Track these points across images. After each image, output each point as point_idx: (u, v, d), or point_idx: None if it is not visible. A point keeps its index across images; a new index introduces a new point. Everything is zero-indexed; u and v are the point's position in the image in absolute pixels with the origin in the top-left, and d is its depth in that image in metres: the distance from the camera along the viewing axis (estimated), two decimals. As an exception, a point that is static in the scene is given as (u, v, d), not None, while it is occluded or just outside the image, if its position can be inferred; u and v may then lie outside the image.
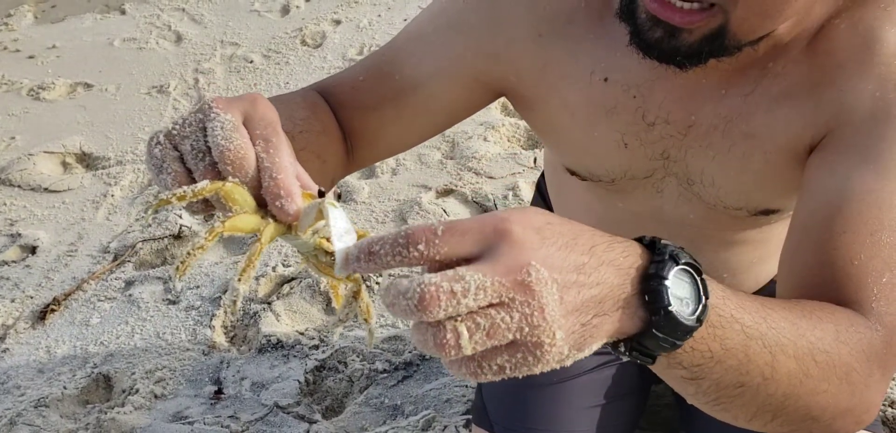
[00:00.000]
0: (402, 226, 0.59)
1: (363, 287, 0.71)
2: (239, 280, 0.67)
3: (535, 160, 2.47)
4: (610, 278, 0.61)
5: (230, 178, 0.69)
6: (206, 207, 0.72)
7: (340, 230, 0.66)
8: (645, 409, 1.46)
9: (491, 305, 0.57)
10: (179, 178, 0.70)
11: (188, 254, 0.67)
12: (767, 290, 1.30)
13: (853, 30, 0.91)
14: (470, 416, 1.62)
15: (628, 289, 0.62)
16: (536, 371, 0.59)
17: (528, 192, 2.31)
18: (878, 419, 1.30)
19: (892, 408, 1.60)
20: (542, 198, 1.52)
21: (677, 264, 0.64)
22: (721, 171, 1.02)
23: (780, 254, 0.94)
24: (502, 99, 1.13)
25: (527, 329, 0.57)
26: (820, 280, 0.84)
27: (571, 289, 0.59)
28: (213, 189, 0.68)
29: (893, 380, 1.67)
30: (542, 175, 1.54)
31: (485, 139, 2.56)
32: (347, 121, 1.07)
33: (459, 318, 0.57)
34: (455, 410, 1.69)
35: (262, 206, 0.70)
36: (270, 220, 0.69)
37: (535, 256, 0.58)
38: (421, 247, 0.58)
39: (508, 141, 2.59)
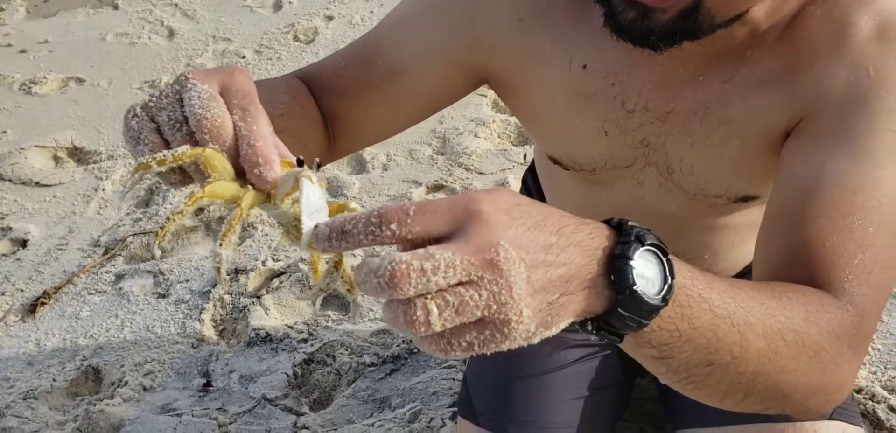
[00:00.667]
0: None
1: (344, 258, 0.71)
2: (220, 245, 0.67)
3: (524, 156, 2.48)
4: (577, 258, 0.63)
5: (209, 146, 0.69)
6: (184, 178, 0.73)
7: (312, 206, 0.66)
8: (629, 402, 1.47)
9: (460, 283, 0.58)
10: (156, 148, 0.71)
11: (168, 219, 0.67)
12: (749, 272, 1.31)
13: (828, 16, 0.93)
14: (456, 409, 1.63)
15: (595, 269, 0.64)
16: (504, 348, 0.61)
17: (517, 188, 2.32)
18: (858, 410, 1.31)
19: (873, 400, 1.61)
20: (527, 192, 1.53)
21: (643, 245, 0.65)
22: (700, 159, 1.04)
23: (756, 237, 0.96)
24: (493, 96, 1.14)
25: (495, 307, 0.59)
26: (793, 262, 0.86)
27: (539, 268, 0.61)
28: (194, 154, 0.68)
29: (874, 374, 1.68)
30: (529, 170, 1.55)
31: (475, 135, 2.57)
32: (329, 107, 1.07)
33: (429, 296, 0.58)
34: (441, 403, 1.70)
35: (241, 176, 0.70)
36: (250, 188, 0.70)
37: (505, 236, 0.59)
38: (393, 226, 0.59)
39: (499, 137, 2.60)
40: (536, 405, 1.32)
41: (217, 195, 0.69)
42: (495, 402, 1.34)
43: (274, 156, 0.70)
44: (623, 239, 0.65)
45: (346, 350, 1.85)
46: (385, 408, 1.72)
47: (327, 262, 0.71)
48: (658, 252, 0.66)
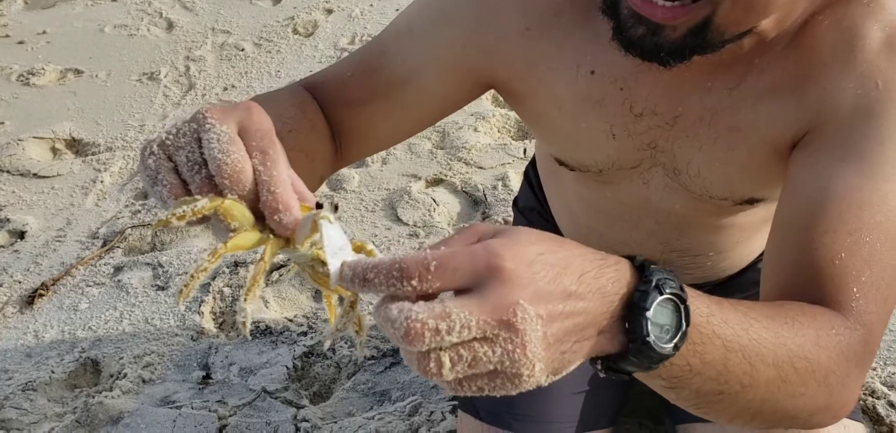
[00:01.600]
0: (396, 255, 0.60)
1: (359, 298, 0.71)
2: (245, 300, 0.67)
3: (524, 151, 2.47)
4: (595, 306, 0.63)
5: (228, 195, 0.68)
6: (201, 219, 0.72)
7: (335, 246, 0.66)
8: (629, 397, 1.47)
9: (475, 339, 0.59)
10: (175, 189, 0.70)
11: (191, 277, 0.67)
12: (753, 268, 1.31)
13: (836, 26, 0.92)
14: (456, 403, 1.63)
15: (610, 316, 0.64)
16: (513, 394, 0.61)
17: (517, 182, 2.32)
18: (858, 406, 1.31)
19: (873, 396, 1.62)
20: (530, 186, 1.53)
21: (661, 294, 0.65)
22: (706, 163, 1.03)
23: (765, 251, 0.96)
24: (492, 90, 1.14)
25: (507, 362, 0.59)
26: (802, 279, 0.86)
27: (556, 321, 0.61)
28: (213, 207, 0.68)
29: (873, 371, 1.68)
30: (531, 163, 1.55)
31: (475, 129, 2.57)
32: (336, 117, 1.07)
33: (443, 349, 0.59)
34: (441, 396, 1.70)
35: (259, 219, 0.70)
36: (270, 235, 0.69)
37: (524, 294, 0.59)
38: (414, 282, 0.59)
39: (498, 131, 2.60)
40: (537, 400, 1.32)
41: (239, 247, 0.69)
42: (498, 399, 1.34)
43: (293, 201, 0.69)
44: (642, 286, 0.65)
45: (346, 343, 1.84)
46: (385, 402, 1.71)
47: (344, 301, 0.70)
48: (676, 299, 0.66)
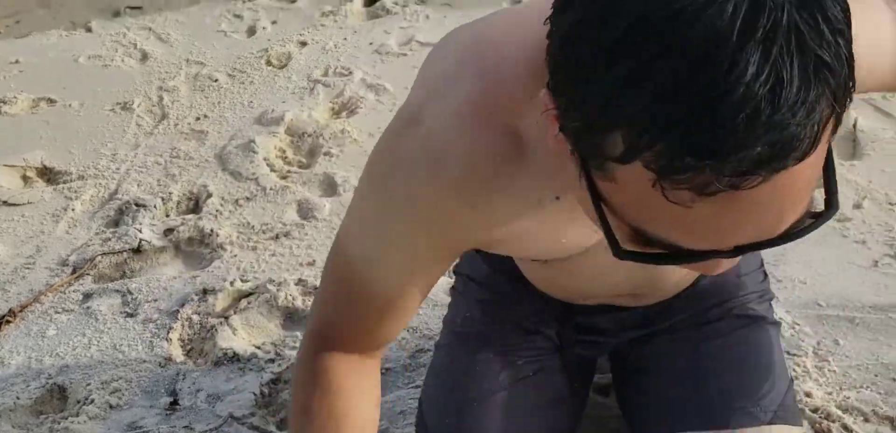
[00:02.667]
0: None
1: None
2: None
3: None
4: None
5: None
6: None
7: None
8: (581, 417, 1.50)
9: None
10: None
11: None
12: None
13: None
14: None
15: None
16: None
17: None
18: (798, 410, 1.36)
19: (828, 419, 1.66)
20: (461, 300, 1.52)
21: None
22: None
23: None
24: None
25: None
26: None
27: None
28: None
29: (829, 395, 1.73)
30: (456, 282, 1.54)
31: (445, 160, 2.60)
32: (355, 351, 1.15)
33: None
34: (408, 422, 1.72)
35: None
36: None
37: None
38: None
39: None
40: (490, 421, 1.33)
41: None
42: (448, 421, 1.36)
43: None
44: None
45: (314, 369, 1.86)
46: (351, 427, 1.73)
47: None
48: None
